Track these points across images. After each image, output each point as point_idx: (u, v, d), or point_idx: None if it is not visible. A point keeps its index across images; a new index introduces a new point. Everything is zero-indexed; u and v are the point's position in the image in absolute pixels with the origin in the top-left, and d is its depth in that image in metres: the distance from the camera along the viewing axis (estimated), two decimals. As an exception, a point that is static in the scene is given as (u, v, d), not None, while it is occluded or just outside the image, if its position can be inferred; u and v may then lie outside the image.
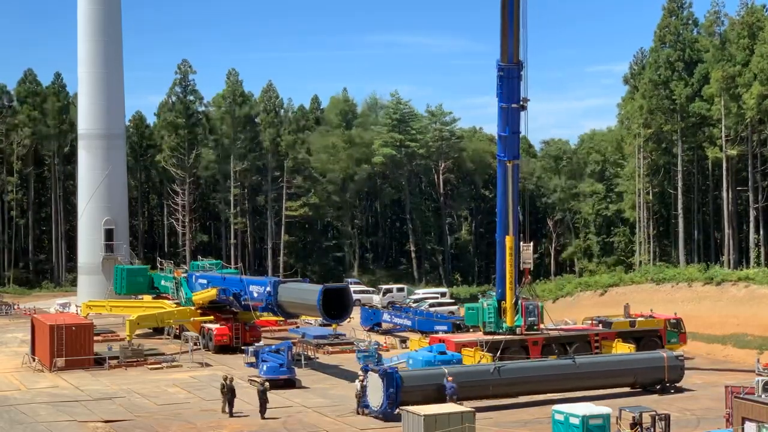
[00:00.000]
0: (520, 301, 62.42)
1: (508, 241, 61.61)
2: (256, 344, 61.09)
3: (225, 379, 49.00)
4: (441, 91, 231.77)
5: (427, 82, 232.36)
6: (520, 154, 62.45)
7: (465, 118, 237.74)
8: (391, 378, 46.63)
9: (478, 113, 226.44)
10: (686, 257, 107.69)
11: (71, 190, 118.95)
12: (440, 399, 46.44)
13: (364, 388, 47.82)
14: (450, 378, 47.00)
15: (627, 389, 53.35)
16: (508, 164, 61.70)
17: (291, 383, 54.34)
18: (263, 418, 46.70)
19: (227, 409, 48.04)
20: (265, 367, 55.40)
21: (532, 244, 63.42)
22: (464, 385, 49.28)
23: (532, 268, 62.95)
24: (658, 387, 54.15)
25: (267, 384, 48.52)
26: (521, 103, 60.57)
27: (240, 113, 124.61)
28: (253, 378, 56.69)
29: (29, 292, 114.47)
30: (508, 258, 61.49)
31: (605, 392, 52.19)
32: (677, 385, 54.40)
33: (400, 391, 46.91)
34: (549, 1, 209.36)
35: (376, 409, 46.96)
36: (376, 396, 47.12)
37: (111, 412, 48.35)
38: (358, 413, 47.62)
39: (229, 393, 48.26)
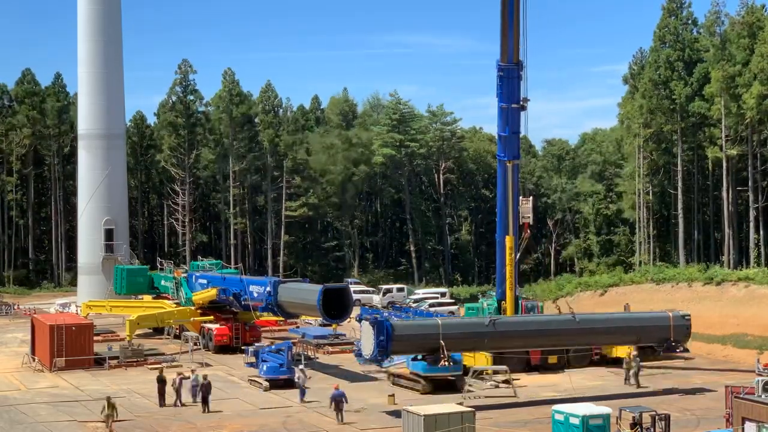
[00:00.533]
0: (520, 301, 62.57)
1: (508, 241, 61.71)
2: (257, 344, 61.16)
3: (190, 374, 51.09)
4: (446, 91, 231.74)
5: (431, 82, 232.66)
6: (521, 153, 62.49)
7: (470, 118, 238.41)
8: (381, 327, 47.87)
9: (482, 113, 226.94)
10: (686, 257, 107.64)
11: (71, 190, 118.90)
12: (431, 351, 48.59)
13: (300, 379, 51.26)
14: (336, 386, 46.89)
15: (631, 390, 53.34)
16: (508, 164, 61.83)
17: (291, 383, 54.41)
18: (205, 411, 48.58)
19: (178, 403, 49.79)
20: (265, 367, 55.47)
21: (531, 198, 63.39)
22: (460, 338, 49.71)
23: (531, 222, 62.77)
24: (663, 346, 54.02)
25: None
26: (521, 103, 60.70)
27: (237, 113, 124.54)
28: (253, 378, 56.74)
29: (29, 292, 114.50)
30: (508, 258, 61.58)
31: (605, 393, 52.19)
32: (684, 346, 54.26)
33: (391, 340, 47.89)
34: (551, 1, 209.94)
35: (368, 357, 48.85)
36: (367, 344, 48.26)
37: (111, 412, 48.32)
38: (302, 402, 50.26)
39: (203, 390, 49.36)
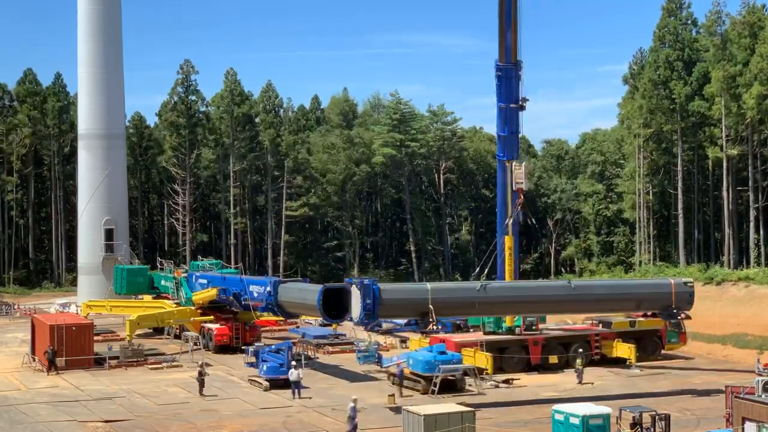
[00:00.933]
0: None
1: (507, 240, 61.71)
2: (257, 344, 61.18)
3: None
4: (450, 90, 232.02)
5: (435, 82, 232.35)
6: (520, 153, 62.49)
7: (474, 118, 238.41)
8: (368, 290, 48.66)
9: (487, 113, 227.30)
10: (686, 257, 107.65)
11: (71, 190, 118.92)
12: (420, 315, 50.06)
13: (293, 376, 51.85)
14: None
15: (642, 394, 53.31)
16: (507, 164, 61.81)
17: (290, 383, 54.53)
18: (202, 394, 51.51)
19: None
20: (265, 367, 55.53)
21: (524, 164, 63.30)
22: (450, 303, 49.86)
23: (525, 188, 62.65)
24: (665, 313, 53.82)
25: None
26: (520, 102, 60.68)
27: (238, 112, 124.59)
28: (253, 378, 56.74)
29: (29, 292, 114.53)
30: (507, 258, 61.57)
31: (604, 393, 52.18)
32: (687, 312, 53.93)
33: (378, 304, 48.56)
34: (552, 1, 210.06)
35: (355, 320, 50.17)
36: (356, 309, 49.14)
37: (111, 412, 48.38)
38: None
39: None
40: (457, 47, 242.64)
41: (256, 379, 56.30)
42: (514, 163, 62.04)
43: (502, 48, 60.53)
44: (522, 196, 62.01)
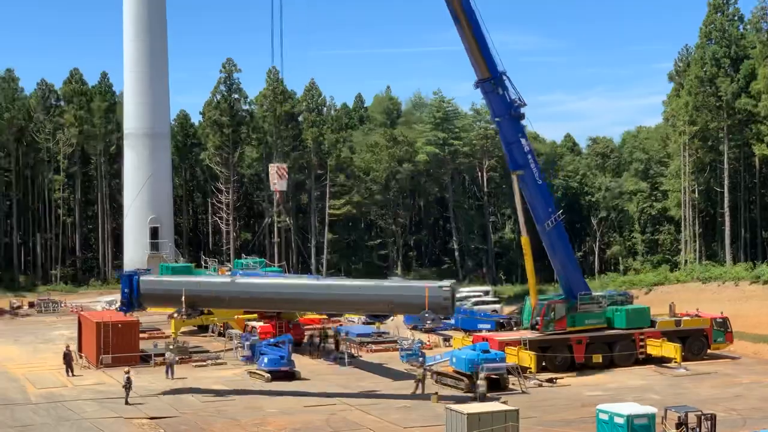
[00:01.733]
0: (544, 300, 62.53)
1: (524, 241, 62.28)
2: (252, 337, 61.59)
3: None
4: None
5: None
6: (531, 162, 61.67)
7: (532, 115, 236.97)
8: (127, 280, 54.13)
9: (545, 111, 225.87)
10: (733, 256, 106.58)
11: (117, 188, 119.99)
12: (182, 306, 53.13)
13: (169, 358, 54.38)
14: None
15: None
16: (513, 175, 61.74)
17: (291, 375, 55.20)
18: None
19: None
20: (266, 360, 56.13)
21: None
22: (205, 296, 53.11)
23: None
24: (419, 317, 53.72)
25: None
26: (511, 113, 60.28)
27: (281, 111, 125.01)
28: (253, 372, 57.12)
29: (76, 290, 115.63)
30: (526, 258, 62.12)
31: (649, 393, 51.80)
32: (441, 318, 53.33)
33: (138, 294, 54.03)
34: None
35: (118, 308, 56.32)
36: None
37: (156, 409, 48.77)
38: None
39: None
40: (515, 44, 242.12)
41: (257, 371, 56.81)
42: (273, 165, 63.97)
43: (475, 64, 60.21)
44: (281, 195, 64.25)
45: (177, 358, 57.08)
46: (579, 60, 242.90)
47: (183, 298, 53.99)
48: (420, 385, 52.68)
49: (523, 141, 60.80)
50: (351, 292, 53.08)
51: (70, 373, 58.12)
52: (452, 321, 74.64)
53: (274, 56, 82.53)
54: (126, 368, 52.79)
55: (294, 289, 53.91)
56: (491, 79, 59.43)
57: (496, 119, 61.60)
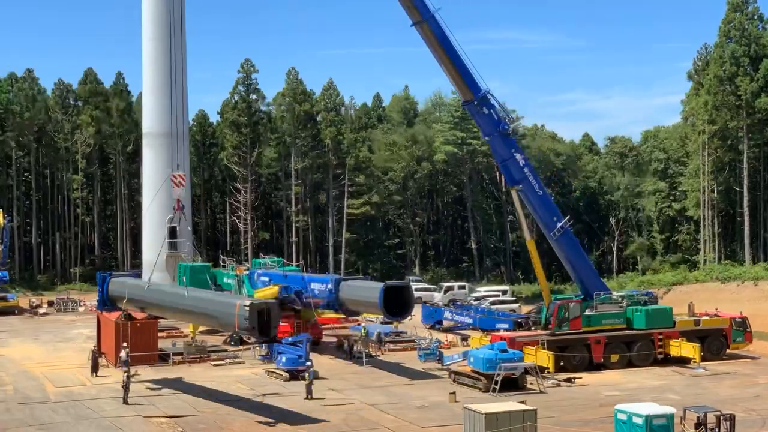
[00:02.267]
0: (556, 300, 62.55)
1: (530, 245, 62.58)
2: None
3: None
4: (526, 87, 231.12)
5: (512, 79, 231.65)
6: (528, 175, 61.68)
7: (553, 115, 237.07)
8: (102, 280, 59.60)
9: (566, 110, 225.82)
10: (752, 256, 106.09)
11: (136, 188, 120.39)
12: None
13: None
14: None
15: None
16: (512, 190, 61.81)
17: None
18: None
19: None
20: (284, 359, 56.16)
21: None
22: (136, 300, 56.02)
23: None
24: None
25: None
26: (500, 130, 60.33)
27: (300, 111, 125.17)
28: (271, 370, 57.13)
29: (95, 289, 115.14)
30: (534, 261, 62.51)
31: (668, 393, 51.58)
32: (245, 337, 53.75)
33: (107, 293, 59.23)
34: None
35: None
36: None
37: (175, 408, 48.87)
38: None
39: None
40: (536, 42, 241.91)
41: (275, 371, 56.84)
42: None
43: (457, 88, 60.46)
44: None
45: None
46: (601, 58, 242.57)
47: (125, 300, 57.11)
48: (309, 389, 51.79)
49: (517, 156, 60.84)
50: (181, 305, 52.12)
51: (94, 374, 57.98)
52: (470, 320, 74.68)
53: None
54: (125, 368, 52.28)
55: (169, 297, 54.36)
56: (474, 100, 59.58)
57: (486, 138, 61.83)
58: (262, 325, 43.76)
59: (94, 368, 58.45)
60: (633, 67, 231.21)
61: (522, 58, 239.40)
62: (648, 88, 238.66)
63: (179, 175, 68.01)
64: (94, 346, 60.96)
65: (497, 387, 51.39)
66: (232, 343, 68.34)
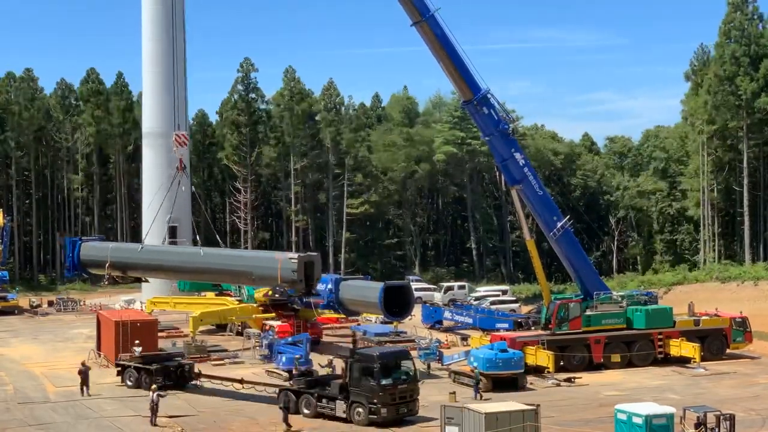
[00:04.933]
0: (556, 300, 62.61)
1: (529, 244, 62.64)
2: (269, 336, 61.52)
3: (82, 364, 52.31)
4: (560, 85, 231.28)
5: (541, 80, 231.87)
6: (528, 175, 61.84)
7: (580, 114, 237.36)
8: (71, 244, 60.67)
9: (593, 110, 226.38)
10: (752, 256, 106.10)
11: (136, 187, 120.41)
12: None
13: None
14: None
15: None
16: (512, 190, 61.85)
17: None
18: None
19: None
20: (284, 359, 56.14)
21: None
22: (120, 261, 57.38)
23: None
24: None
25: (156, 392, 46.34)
26: (499, 130, 60.36)
27: (299, 110, 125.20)
28: (272, 370, 57.13)
29: (95, 289, 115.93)
30: (534, 261, 62.54)
31: (668, 392, 51.60)
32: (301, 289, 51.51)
33: (78, 258, 60.08)
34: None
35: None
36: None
37: (175, 407, 48.85)
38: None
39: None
40: (578, 41, 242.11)
41: (275, 370, 56.80)
42: None
43: (457, 87, 60.47)
44: None
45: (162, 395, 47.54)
46: (639, 57, 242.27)
47: (107, 264, 58.14)
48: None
49: (517, 155, 60.89)
50: (221, 262, 53.13)
51: (85, 392, 52.19)
52: (470, 320, 74.71)
53: None
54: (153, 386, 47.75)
55: (178, 257, 54.92)
56: (474, 100, 59.59)
57: (486, 138, 61.81)
58: (307, 278, 45.33)
59: (84, 386, 52.52)
60: (660, 67, 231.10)
61: (553, 56, 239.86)
62: (674, 88, 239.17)
63: (182, 135, 67.47)
64: (83, 363, 54.88)
65: (480, 394, 51.00)
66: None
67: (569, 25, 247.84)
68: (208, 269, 52.07)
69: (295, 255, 46.54)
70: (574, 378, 56.02)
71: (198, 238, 78.85)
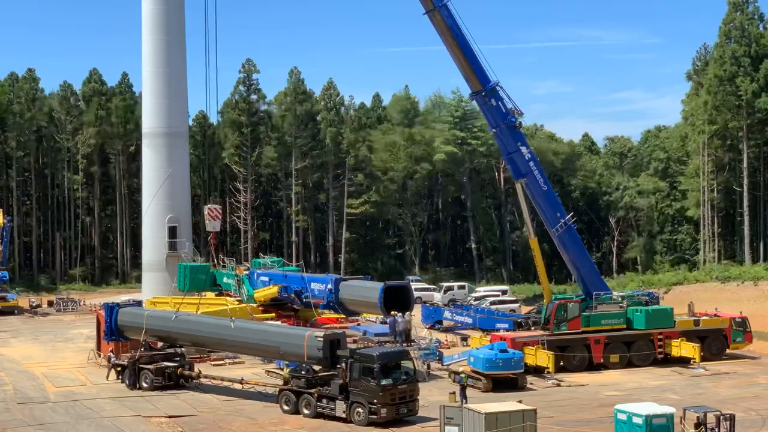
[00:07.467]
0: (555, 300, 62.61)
1: (533, 243, 62.56)
2: None
3: None
4: (590, 84, 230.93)
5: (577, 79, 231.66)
6: (534, 169, 61.77)
7: (609, 113, 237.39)
8: (110, 310, 59.04)
9: (623, 109, 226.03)
10: (752, 256, 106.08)
11: (136, 188, 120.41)
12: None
13: None
14: None
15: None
16: (517, 183, 61.86)
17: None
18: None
19: None
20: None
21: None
22: (161, 332, 55.58)
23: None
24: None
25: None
26: (506, 122, 60.32)
27: (300, 111, 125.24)
28: (271, 370, 57.13)
29: (95, 289, 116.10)
30: (536, 260, 62.50)
31: (668, 393, 51.60)
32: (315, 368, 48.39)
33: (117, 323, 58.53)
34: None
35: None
36: None
37: (174, 407, 48.88)
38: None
39: None
40: (611, 39, 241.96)
41: (275, 370, 56.78)
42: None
43: (466, 78, 60.35)
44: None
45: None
46: (671, 57, 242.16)
47: (143, 331, 56.01)
48: None
49: (523, 149, 60.91)
50: (250, 337, 52.50)
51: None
52: (470, 320, 74.67)
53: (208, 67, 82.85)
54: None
55: (209, 328, 54.30)
56: (483, 91, 59.57)
57: (493, 130, 61.78)
58: (332, 355, 45.95)
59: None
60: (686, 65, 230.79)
61: (588, 54, 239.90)
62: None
63: (215, 209, 67.29)
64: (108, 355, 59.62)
65: (465, 398, 50.71)
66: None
67: (606, 23, 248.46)
68: (238, 343, 52.58)
69: (321, 333, 47.70)
70: (561, 382, 55.48)
71: (198, 239, 78.74)
